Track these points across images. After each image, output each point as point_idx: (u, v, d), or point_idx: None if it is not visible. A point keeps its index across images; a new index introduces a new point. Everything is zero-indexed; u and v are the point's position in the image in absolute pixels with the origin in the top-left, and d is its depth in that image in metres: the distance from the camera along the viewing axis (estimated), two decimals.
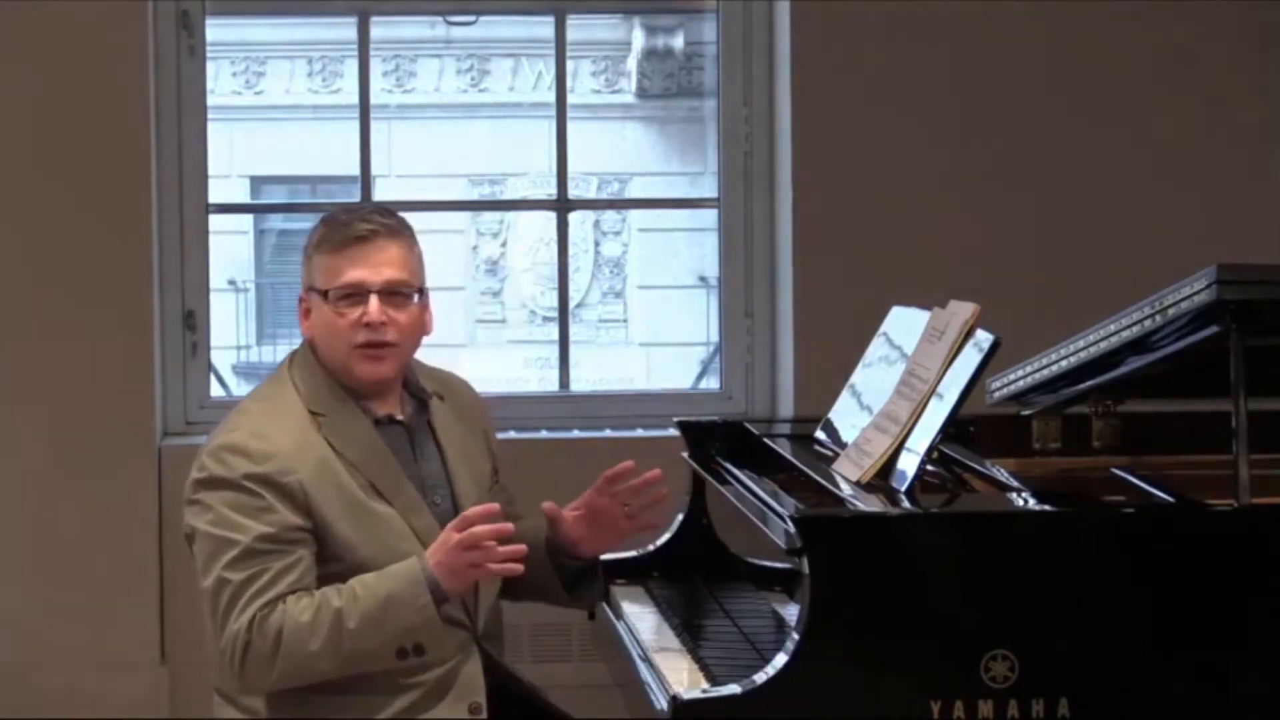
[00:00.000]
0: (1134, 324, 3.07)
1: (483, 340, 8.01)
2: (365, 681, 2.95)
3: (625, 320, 8.43)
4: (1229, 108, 4.97)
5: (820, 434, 3.47)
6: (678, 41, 7.71)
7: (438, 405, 3.17)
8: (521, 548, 2.91)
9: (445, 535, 2.92)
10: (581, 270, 8.18)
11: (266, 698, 2.99)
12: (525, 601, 3.28)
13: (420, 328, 3.09)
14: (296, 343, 3.17)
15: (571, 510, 3.13)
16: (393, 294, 3.02)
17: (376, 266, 3.01)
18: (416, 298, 3.06)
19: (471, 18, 6.75)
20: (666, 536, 3.67)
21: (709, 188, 5.29)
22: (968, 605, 2.79)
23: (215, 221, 5.03)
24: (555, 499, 3.42)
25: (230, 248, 7.50)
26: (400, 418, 3.10)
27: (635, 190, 8.25)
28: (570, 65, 5.35)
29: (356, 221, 3.04)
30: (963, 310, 3.13)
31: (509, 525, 2.90)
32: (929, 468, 3.09)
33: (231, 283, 7.62)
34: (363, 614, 2.88)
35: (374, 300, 3.00)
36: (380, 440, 3.05)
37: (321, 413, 3.02)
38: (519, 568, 2.92)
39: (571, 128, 5.18)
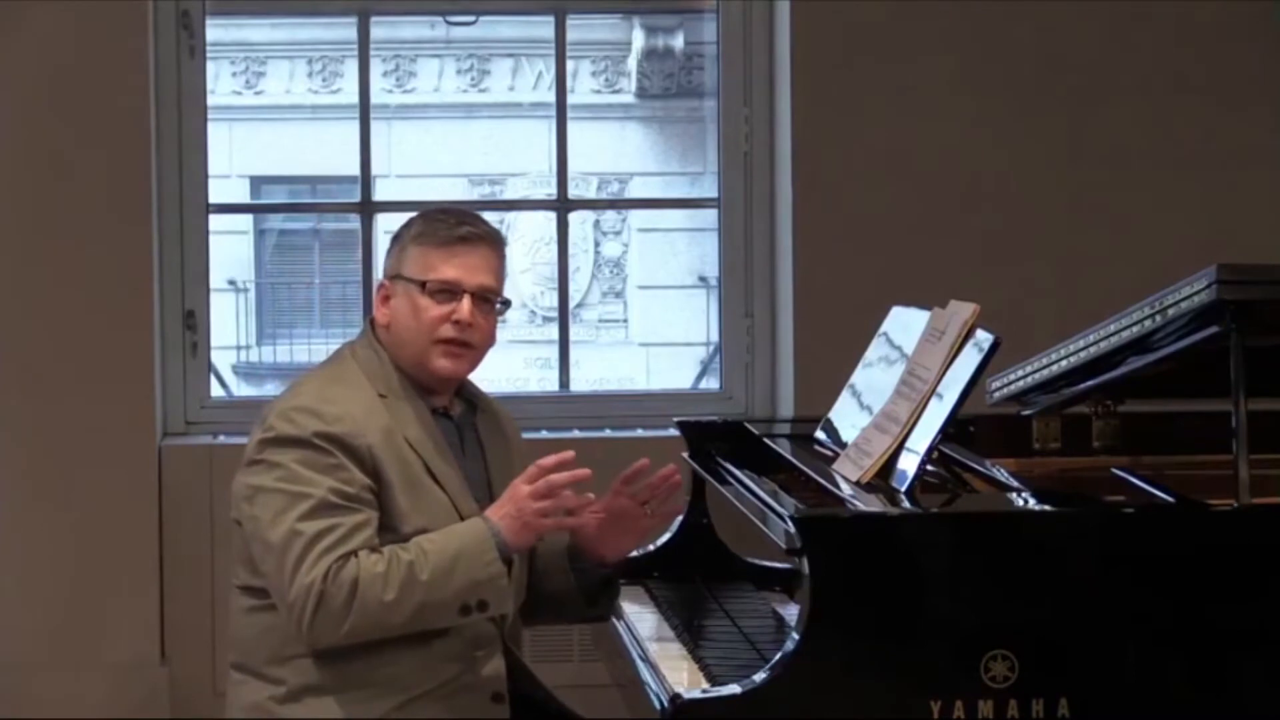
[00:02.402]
0: (1134, 324, 3.07)
1: None
2: (390, 673, 2.96)
3: (625, 320, 8.42)
4: (1230, 107, 4.98)
5: (820, 434, 3.47)
6: (678, 41, 7.70)
7: (481, 414, 3.22)
8: (591, 498, 3.01)
9: (513, 490, 2.97)
10: (581, 270, 8.17)
11: (297, 676, 2.98)
12: (541, 623, 3.30)
13: (495, 336, 3.15)
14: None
15: (591, 513, 3.15)
16: (483, 299, 3.08)
17: (473, 270, 3.08)
18: (504, 306, 3.14)
19: (471, 18, 6.74)
20: (666, 536, 3.67)
21: (709, 188, 5.30)
22: (968, 605, 2.79)
23: (215, 221, 5.04)
24: None
25: (230, 248, 7.49)
26: (452, 414, 3.15)
27: (635, 190, 8.24)
28: (570, 65, 5.36)
29: (461, 223, 3.11)
30: (963, 310, 3.13)
31: (586, 471, 2.96)
32: (929, 468, 3.09)
33: (231, 283, 7.60)
34: (434, 568, 2.91)
35: (466, 300, 3.06)
36: (437, 428, 3.09)
37: (384, 394, 3.06)
38: (584, 520, 3.03)
39: (571, 128, 5.18)
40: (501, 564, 2.94)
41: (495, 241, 3.13)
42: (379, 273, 3.30)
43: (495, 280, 3.10)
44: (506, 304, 3.14)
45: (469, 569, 2.92)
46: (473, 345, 3.08)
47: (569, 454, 2.96)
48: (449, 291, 3.06)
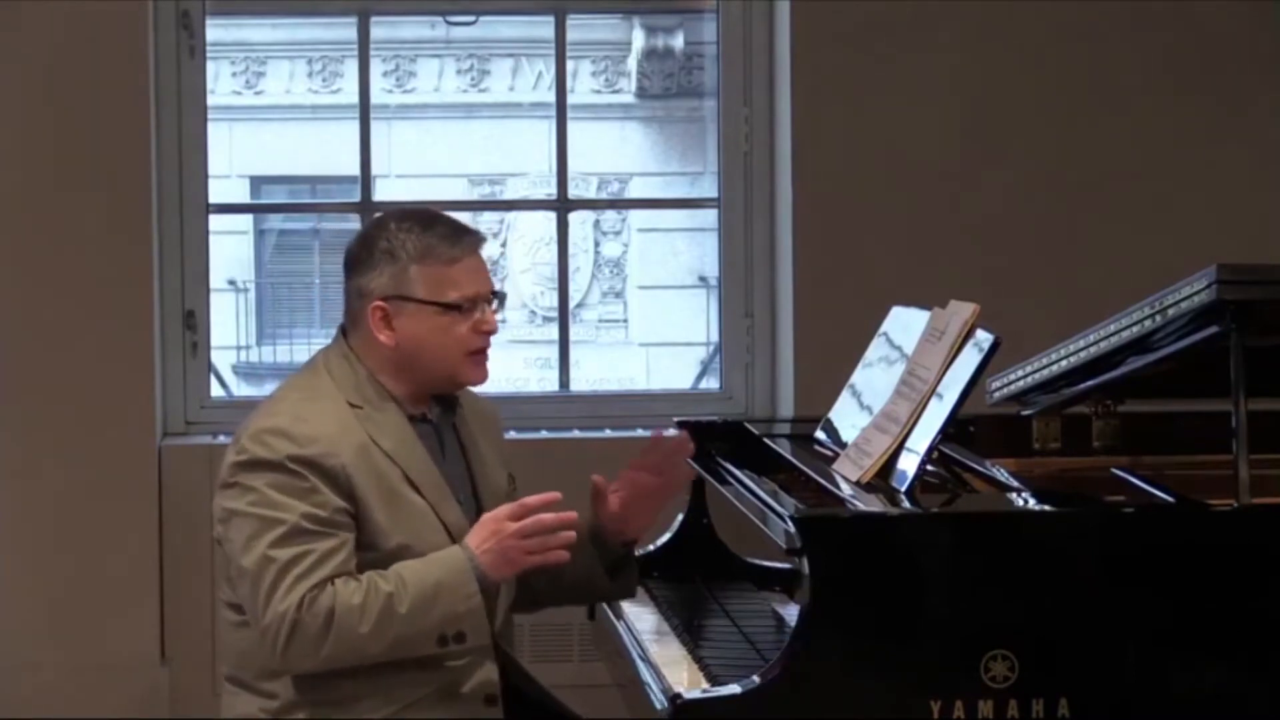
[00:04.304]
0: (1134, 324, 3.08)
1: None
2: (382, 676, 2.96)
3: (625, 320, 8.42)
4: (1229, 107, 4.98)
5: (820, 434, 3.47)
6: (678, 41, 7.70)
7: (460, 411, 3.20)
8: (573, 534, 2.98)
9: (496, 524, 2.94)
10: (581, 270, 8.17)
11: (289, 690, 2.97)
12: (562, 604, 3.29)
13: None
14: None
15: (612, 493, 3.15)
16: (492, 300, 3.10)
17: (483, 276, 3.08)
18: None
19: (471, 18, 6.75)
20: (666, 536, 3.67)
21: (709, 188, 5.30)
22: (968, 605, 2.79)
23: (215, 221, 5.04)
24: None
25: (230, 248, 7.49)
26: (430, 417, 3.13)
27: (635, 190, 8.24)
28: (570, 65, 5.36)
29: (457, 233, 3.08)
30: (963, 310, 3.13)
31: (573, 514, 2.95)
32: (929, 468, 3.09)
33: (231, 283, 7.60)
34: (412, 599, 2.90)
35: (489, 308, 3.08)
36: (415, 436, 3.07)
37: (358, 404, 3.04)
38: (566, 555, 2.99)
39: (571, 128, 5.18)
40: (480, 597, 2.92)
41: (484, 240, 3.13)
42: None
43: (491, 277, 3.11)
44: (503, 296, 3.14)
45: (448, 601, 2.91)
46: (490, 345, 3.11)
47: (555, 495, 2.95)
48: (472, 304, 3.06)
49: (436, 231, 3.08)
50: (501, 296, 3.12)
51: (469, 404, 3.24)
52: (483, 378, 3.10)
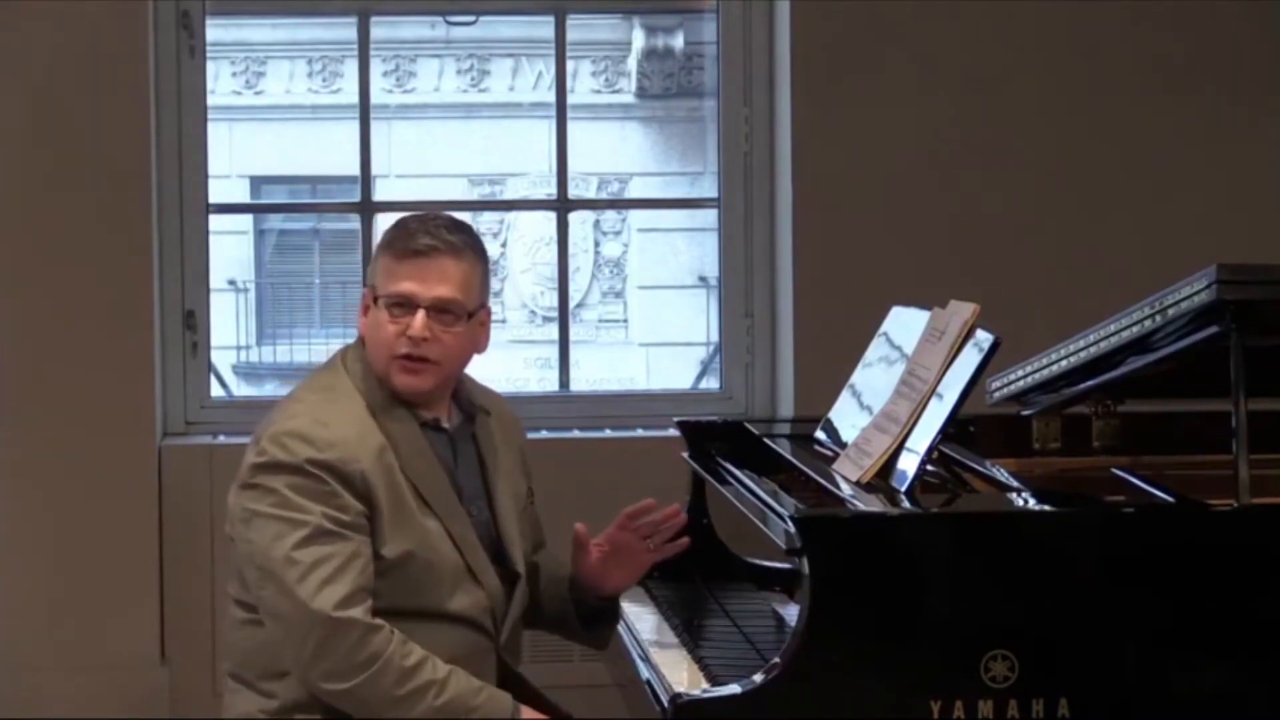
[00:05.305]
0: (1134, 324, 3.08)
1: None
2: None
3: (625, 320, 8.43)
4: (1231, 106, 4.97)
5: (820, 434, 3.47)
6: (678, 41, 7.70)
7: (484, 420, 3.16)
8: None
9: None
10: (581, 270, 8.18)
11: (290, 691, 2.96)
12: (540, 631, 3.29)
13: (469, 347, 3.07)
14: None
15: (594, 545, 3.15)
16: (442, 311, 3.00)
17: (429, 282, 2.99)
18: (469, 318, 3.03)
19: (471, 18, 6.75)
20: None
21: (709, 188, 5.30)
22: (968, 605, 2.79)
23: (215, 221, 5.04)
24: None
25: (230, 248, 7.50)
26: (445, 425, 3.09)
27: (635, 190, 8.25)
28: (570, 65, 5.35)
29: (421, 234, 3.02)
30: (963, 310, 3.13)
31: None
32: (929, 468, 3.09)
33: (231, 283, 7.61)
34: (448, 700, 2.89)
35: (420, 315, 2.98)
36: (426, 443, 3.05)
37: (372, 410, 3.02)
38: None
39: (571, 128, 5.18)
40: None
41: (459, 251, 3.02)
42: None
43: (457, 292, 3.00)
44: (474, 314, 3.02)
45: None
46: (432, 360, 3.00)
47: None
48: (403, 305, 2.99)
49: (408, 229, 3.04)
50: (448, 308, 2.99)
51: (496, 414, 3.21)
52: (408, 385, 3.01)
